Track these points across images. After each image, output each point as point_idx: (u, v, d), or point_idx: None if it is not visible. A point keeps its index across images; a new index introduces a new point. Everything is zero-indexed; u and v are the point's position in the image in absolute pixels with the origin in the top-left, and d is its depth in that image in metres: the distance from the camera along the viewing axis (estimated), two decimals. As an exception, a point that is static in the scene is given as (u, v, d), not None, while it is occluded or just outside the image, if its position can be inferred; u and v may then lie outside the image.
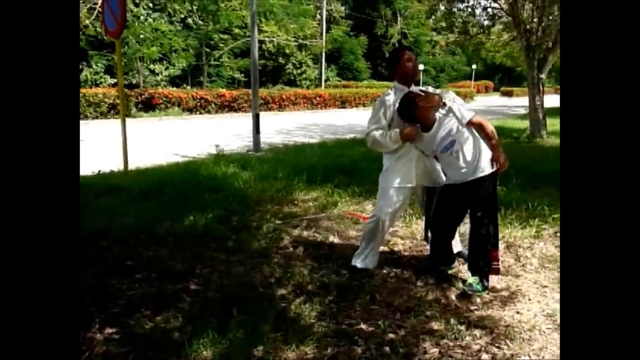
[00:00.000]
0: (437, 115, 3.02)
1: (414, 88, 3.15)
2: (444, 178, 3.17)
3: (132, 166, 6.45)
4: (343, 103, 23.24)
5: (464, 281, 3.07)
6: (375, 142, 3.15)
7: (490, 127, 3.03)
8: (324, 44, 28.00)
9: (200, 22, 21.03)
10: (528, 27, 10.59)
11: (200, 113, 17.65)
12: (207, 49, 21.84)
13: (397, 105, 3.10)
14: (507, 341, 2.43)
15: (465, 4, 12.31)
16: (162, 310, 2.70)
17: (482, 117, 3.09)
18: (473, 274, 3.03)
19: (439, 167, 3.21)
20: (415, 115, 3.03)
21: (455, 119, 2.99)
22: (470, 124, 3.01)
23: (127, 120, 6.64)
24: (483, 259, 3.02)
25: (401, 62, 3.14)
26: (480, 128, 3.03)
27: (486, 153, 2.98)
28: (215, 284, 3.04)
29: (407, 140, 3.09)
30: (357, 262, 3.24)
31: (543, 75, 10.83)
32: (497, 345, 2.40)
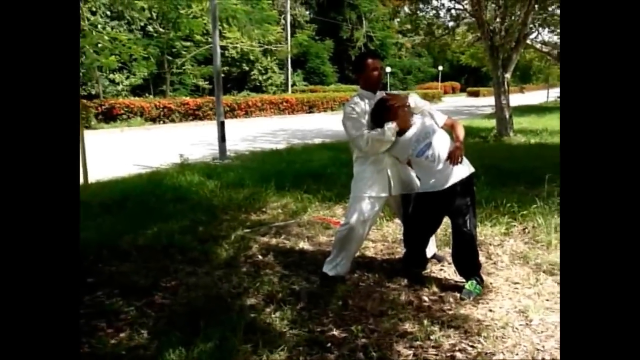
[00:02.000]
0: (413, 119, 2.97)
1: (379, 93, 3.11)
2: (418, 183, 3.09)
3: (92, 179, 6.23)
4: (311, 108, 23.23)
5: (460, 290, 2.95)
6: (373, 141, 2.94)
7: (462, 129, 3.01)
8: (289, 48, 27.95)
9: (160, 29, 20.64)
10: (491, 27, 10.83)
11: (164, 122, 17.29)
12: (169, 57, 21.46)
13: (366, 110, 3.02)
14: (481, 339, 2.41)
15: (429, 6, 12.50)
16: (125, 327, 2.59)
17: (454, 120, 3.08)
18: (467, 279, 2.96)
19: (413, 173, 3.14)
20: (390, 119, 2.93)
21: (431, 121, 2.96)
22: (444, 124, 2.99)
23: (87, 132, 6.43)
24: (472, 261, 2.98)
25: (367, 72, 3.06)
26: (452, 128, 3.01)
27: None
28: (182, 297, 2.94)
29: (404, 125, 2.93)
30: (328, 270, 3.16)
31: (508, 75, 11.08)
32: (470, 344, 2.39)
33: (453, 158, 2.84)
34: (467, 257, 2.98)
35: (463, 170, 2.90)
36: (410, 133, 2.95)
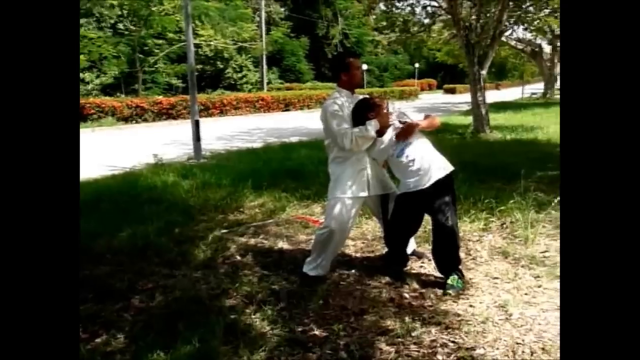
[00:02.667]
0: (391, 119, 3.00)
1: (356, 95, 3.14)
2: (393, 184, 3.14)
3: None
4: (287, 106, 23.12)
5: (443, 286, 2.95)
6: (357, 139, 2.91)
7: (433, 119, 3.05)
8: (264, 46, 27.76)
9: (131, 27, 20.26)
10: (467, 24, 10.93)
11: (137, 122, 16.96)
12: (141, 55, 21.08)
13: (347, 106, 3.03)
14: (462, 334, 2.43)
15: (405, 3, 12.57)
16: (101, 332, 2.52)
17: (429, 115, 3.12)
18: (448, 275, 2.97)
19: (387, 174, 3.18)
20: (371, 118, 2.95)
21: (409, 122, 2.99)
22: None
23: (56, 131, 6.20)
24: (453, 257, 2.99)
25: (351, 71, 3.08)
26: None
27: (439, 156, 3.00)
28: (159, 300, 2.88)
29: (385, 125, 2.96)
30: (309, 270, 3.14)
31: (483, 72, 11.20)
32: (451, 339, 2.40)
33: (402, 131, 2.90)
34: (448, 252, 3.00)
35: (442, 169, 2.95)
36: (389, 134, 3.00)
